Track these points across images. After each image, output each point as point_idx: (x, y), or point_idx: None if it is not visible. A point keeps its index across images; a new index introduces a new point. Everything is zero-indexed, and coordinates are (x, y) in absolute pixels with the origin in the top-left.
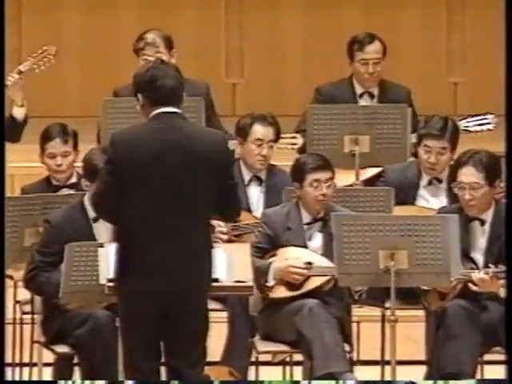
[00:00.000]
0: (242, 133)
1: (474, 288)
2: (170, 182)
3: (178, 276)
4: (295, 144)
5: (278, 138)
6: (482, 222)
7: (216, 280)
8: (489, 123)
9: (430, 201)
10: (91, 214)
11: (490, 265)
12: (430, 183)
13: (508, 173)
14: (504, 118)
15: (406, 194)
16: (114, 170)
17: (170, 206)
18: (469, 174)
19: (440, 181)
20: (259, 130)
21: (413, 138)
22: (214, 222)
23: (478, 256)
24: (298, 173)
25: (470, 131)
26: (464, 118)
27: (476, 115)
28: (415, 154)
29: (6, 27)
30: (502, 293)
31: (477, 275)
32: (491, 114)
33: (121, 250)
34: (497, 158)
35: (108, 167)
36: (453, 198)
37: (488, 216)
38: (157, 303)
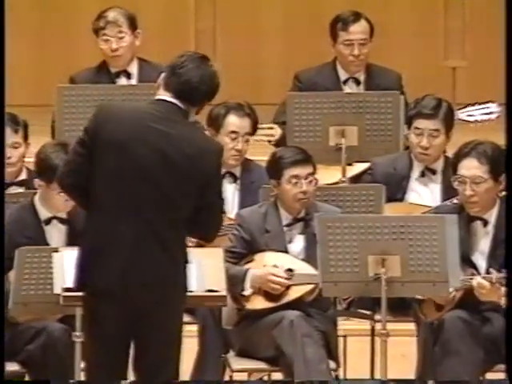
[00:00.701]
0: (215, 124)
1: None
2: (142, 175)
3: (150, 283)
4: (272, 136)
5: (254, 130)
6: (485, 223)
7: None
8: (491, 113)
9: (423, 195)
10: (43, 215)
11: (492, 270)
12: (422, 175)
13: (508, 164)
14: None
15: (396, 188)
16: (86, 141)
17: (140, 202)
18: (471, 167)
19: (434, 172)
20: (234, 122)
21: (406, 130)
22: None
23: (480, 261)
24: (275, 168)
25: (470, 122)
26: (463, 108)
27: (477, 104)
28: (409, 148)
29: (5, 27)
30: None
31: (478, 280)
32: (494, 102)
33: (84, 251)
34: (502, 150)
35: (82, 136)
36: (448, 191)
37: (491, 216)
38: (126, 313)
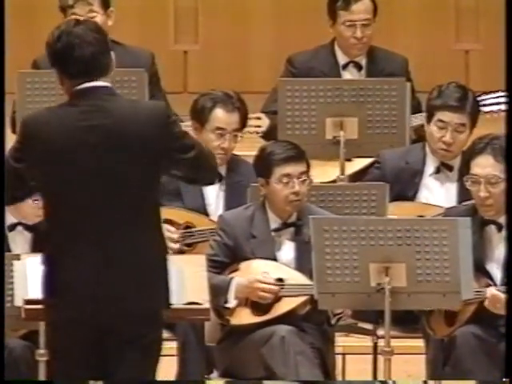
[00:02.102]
0: (199, 117)
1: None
2: (97, 179)
3: (119, 298)
4: (259, 127)
5: (243, 125)
6: (500, 227)
7: None
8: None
9: (437, 193)
10: (7, 220)
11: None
12: (437, 171)
13: (508, 155)
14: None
15: (408, 184)
16: (20, 157)
17: (102, 207)
18: (486, 165)
19: (450, 168)
20: (221, 117)
21: (413, 121)
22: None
23: (495, 269)
24: (263, 166)
25: (485, 112)
26: (477, 96)
27: (492, 92)
28: (416, 141)
29: (5, 27)
30: None
31: (492, 292)
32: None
33: (45, 264)
34: None
35: (12, 154)
36: (466, 191)
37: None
38: (93, 334)
